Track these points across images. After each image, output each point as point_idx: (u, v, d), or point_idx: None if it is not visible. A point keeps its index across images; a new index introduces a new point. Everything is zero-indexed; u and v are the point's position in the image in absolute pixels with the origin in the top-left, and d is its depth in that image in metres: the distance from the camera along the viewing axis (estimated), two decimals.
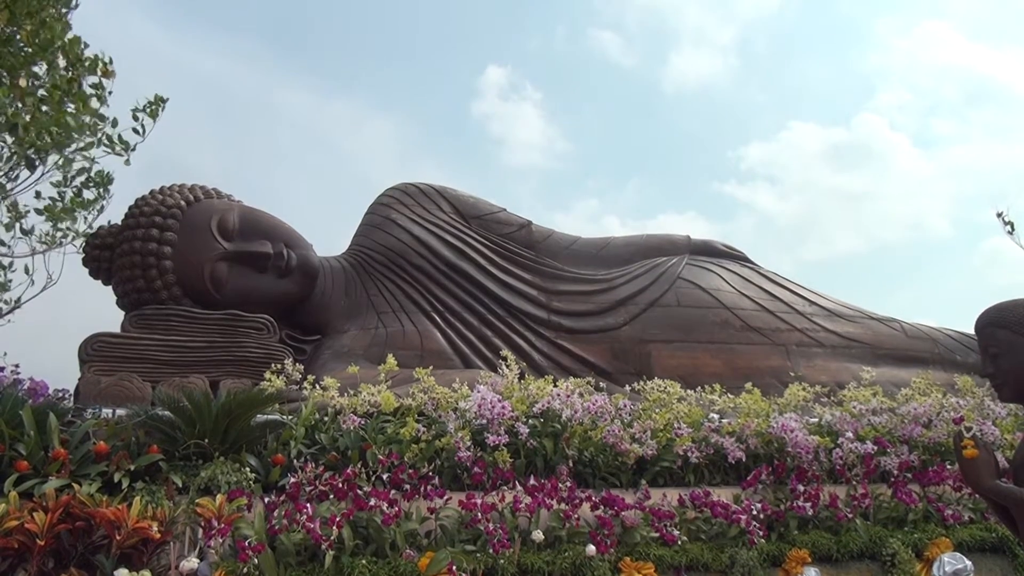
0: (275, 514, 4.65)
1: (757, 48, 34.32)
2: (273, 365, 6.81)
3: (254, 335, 7.99)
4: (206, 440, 5.28)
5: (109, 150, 7.34)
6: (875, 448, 6.26)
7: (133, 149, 7.46)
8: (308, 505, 4.67)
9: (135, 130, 7.45)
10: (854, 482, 6.11)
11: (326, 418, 6.08)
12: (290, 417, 5.92)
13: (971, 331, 10.28)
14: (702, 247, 10.70)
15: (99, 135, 7.25)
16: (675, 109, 35.45)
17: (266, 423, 5.73)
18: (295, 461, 5.33)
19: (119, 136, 7.36)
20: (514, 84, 34.61)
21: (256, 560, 4.24)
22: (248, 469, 5.18)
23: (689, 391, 7.09)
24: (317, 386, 6.40)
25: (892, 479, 6.24)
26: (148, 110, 7.48)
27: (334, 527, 4.48)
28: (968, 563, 5.46)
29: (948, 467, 6.42)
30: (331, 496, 4.96)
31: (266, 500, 4.83)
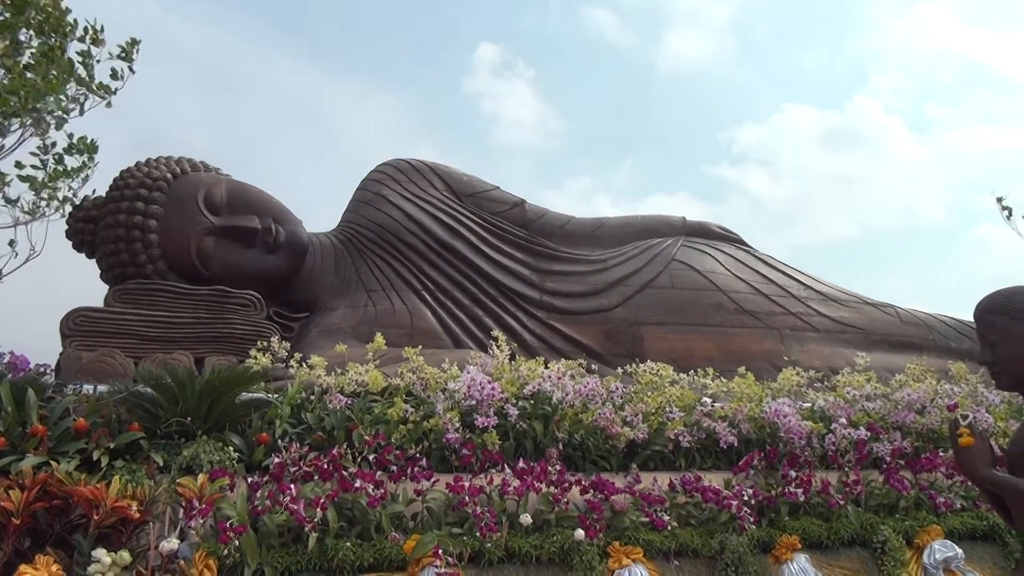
0: (258, 495, 4.55)
1: (753, 29, 34.11)
2: (259, 342, 6.70)
3: (241, 311, 7.86)
4: (189, 418, 5.17)
5: (84, 96, 7.24)
6: (868, 434, 6.20)
7: (114, 93, 7.37)
8: (292, 486, 4.57)
9: (112, 75, 7.42)
10: (846, 468, 6.05)
11: (312, 397, 5.97)
12: (276, 396, 5.81)
13: (964, 317, 10.31)
14: (697, 229, 10.60)
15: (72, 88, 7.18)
16: (669, 89, 35.27)
17: (251, 401, 5.62)
18: (280, 441, 5.23)
19: (100, 83, 7.29)
20: (507, 62, 34.35)
21: (237, 542, 4.16)
22: (231, 448, 5.08)
23: (682, 374, 7.01)
24: (304, 364, 6.30)
25: (884, 466, 6.18)
26: (122, 54, 7.40)
27: (318, 509, 4.39)
28: (958, 551, 5.45)
29: (941, 454, 6.37)
30: (316, 477, 4.86)
31: (249, 480, 4.73)
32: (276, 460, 4.93)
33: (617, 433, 5.78)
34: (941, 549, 5.41)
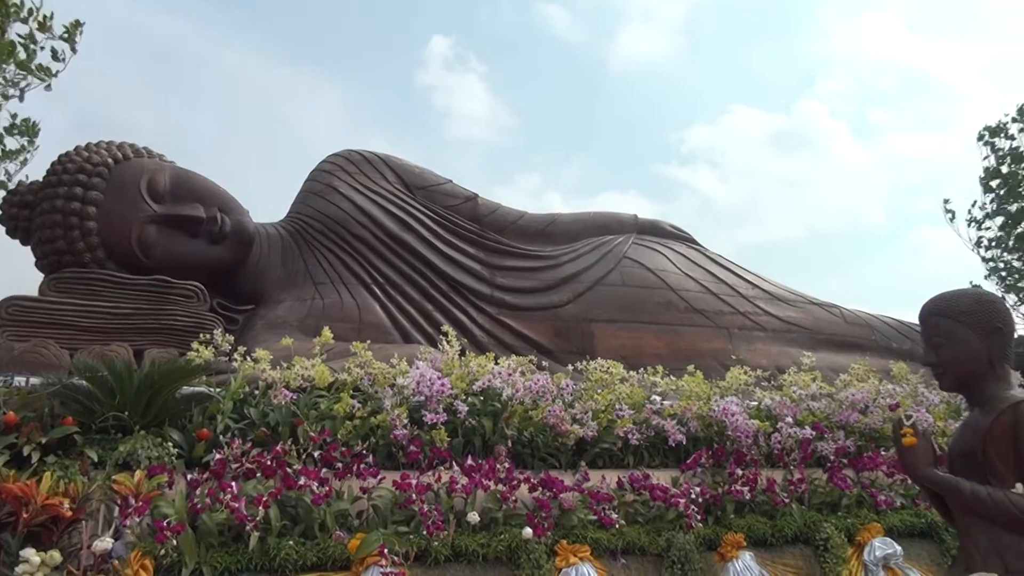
0: (198, 492, 4.41)
1: (704, 29, 34.57)
2: (202, 335, 6.52)
3: (183, 303, 7.64)
4: (126, 412, 4.99)
5: (22, 79, 6.95)
6: (813, 433, 6.29)
7: (55, 75, 7.07)
8: (234, 483, 4.44)
9: (53, 56, 7.13)
10: (791, 467, 6.13)
11: (256, 392, 5.82)
12: (218, 390, 5.64)
13: (904, 318, 10.51)
14: (649, 227, 10.65)
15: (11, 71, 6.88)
16: (621, 87, 35.56)
17: (192, 396, 5.44)
18: (221, 437, 5.08)
19: (39, 65, 6.99)
20: (459, 56, 34.23)
21: (175, 541, 4.02)
22: (171, 444, 4.91)
23: (632, 372, 7.03)
24: (248, 358, 6.14)
25: (828, 464, 6.28)
26: (65, 35, 7.11)
27: (260, 507, 4.27)
28: (898, 548, 5.56)
29: (882, 453, 6.49)
30: (259, 474, 4.73)
31: (189, 477, 4.57)
32: (217, 456, 4.78)
33: (567, 431, 5.75)
34: (881, 546, 5.51)
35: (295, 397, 5.66)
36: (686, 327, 9.21)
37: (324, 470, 4.87)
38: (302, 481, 4.59)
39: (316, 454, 5.04)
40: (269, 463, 4.78)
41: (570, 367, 7.30)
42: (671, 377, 7.15)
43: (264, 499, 4.32)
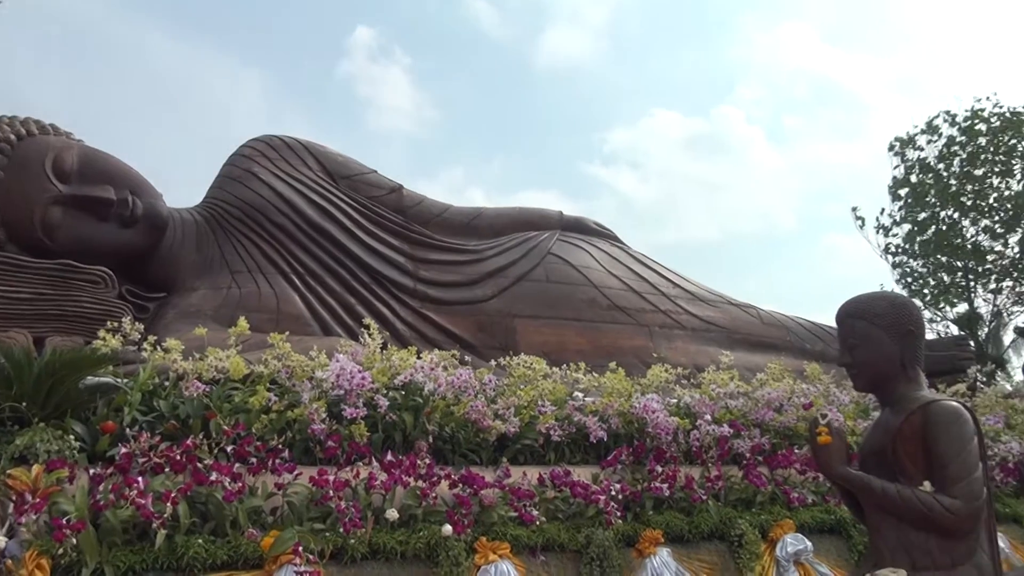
0: (101, 488, 4.18)
1: (628, 32, 35.06)
2: (109, 323, 6.23)
3: (89, 289, 7.28)
4: (24, 403, 4.71)
5: None
6: (731, 431, 6.41)
7: None
8: (140, 478, 4.23)
9: None
10: (709, 464, 6.23)
11: (167, 383, 5.57)
12: (125, 381, 5.38)
13: (817, 320, 10.85)
14: (574, 224, 10.72)
15: None
16: (545, 86, 35.82)
17: (97, 386, 5.17)
18: (128, 430, 4.83)
19: None
20: (383, 47, 33.88)
21: (74, 540, 3.81)
22: (72, 437, 4.65)
23: (554, 368, 7.04)
24: (159, 348, 5.89)
25: (744, 462, 6.41)
26: None
27: (168, 503, 4.09)
28: (808, 544, 5.72)
29: (796, 451, 6.67)
30: (167, 469, 4.52)
31: (92, 472, 4.34)
32: (123, 450, 4.54)
33: (489, 426, 5.71)
34: (793, 542, 5.65)
35: (208, 389, 5.44)
36: (608, 324, 9.30)
37: (237, 465, 4.69)
38: (214, 476, 4.41)
39: (229, 449, 4.85)
40: (179, 458, 4.58)
41: (493, 362, 7.27)
42: (593, 374, 7.19)
43: (173, 495, 4.13)
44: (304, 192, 9.23)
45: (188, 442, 4.71)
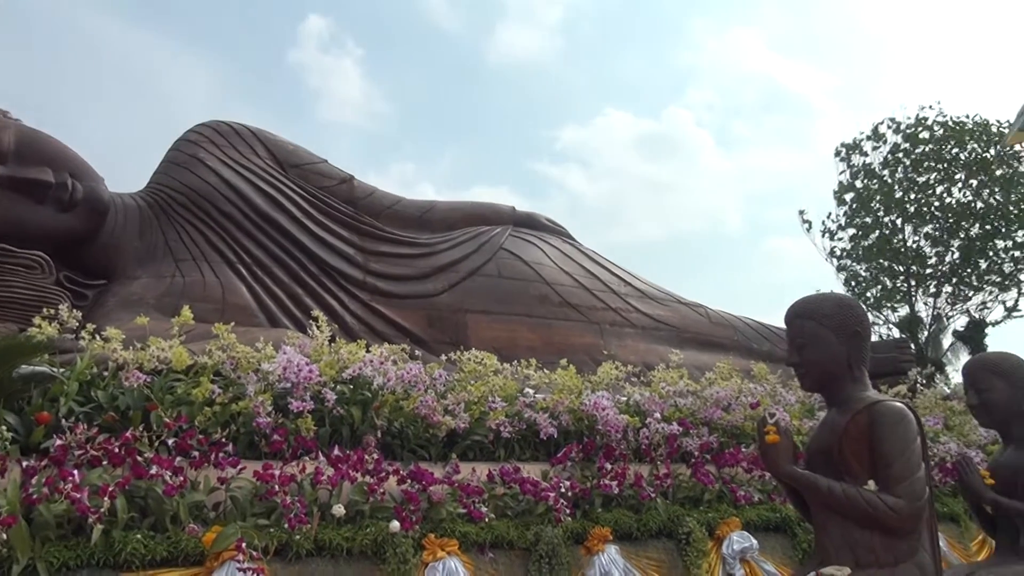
0: (34, 481, 4.02)
1: (581, 31, 35.22)
2: (45, 310, 6.01)
3: (24, 274, 7.02)
4: None
5: None
6: (680, 429, 6.46)
7: None
8: (76, 471, 4.08)
9: None
10: (658, 462, 6.27)
11: (106, 373, 5.40)
12: (61, 370, 5.20)
13: (763, 320, 11.02)
14: (526, 219, 10.73)
15: None
16: (497, 83, 35.82)
17: (31, 375, 4.97)
18: (64, 421, 4.66)
19: None
20: (335, 37, 33.44)
21: (5, 535, 3.65)
22: (4, 428, 4.47)
23: (505, 364, 7.01)
24: (98, 336, 5.70)
25: (692, 460, 6.47)
26: None
27: (106, 497, 3.95)
28: (754, 541, 5.80)
29: (743, 450, 6.76)
30: (105, 462, 4.37)
31: (25, 465, 4.17)
32: (58, 442, 4.38)
33: (438, 422, 5.66)
34: (739, 540, 5.73)
35: (149, 380, 5.28)
36: (560, 321, 9.32)
37: (179, 459, 4.55)
38: (154, 470, 4.27)
39: (170, 441, 4.71)
40: (117, 450, 4.43)
41: (443, 357, 7.22)
42: (544, 370, 7.18)
43: (110, 489, 3.99)
44: (252, 180, 9.03)
45: (127, 434, 4.55)
